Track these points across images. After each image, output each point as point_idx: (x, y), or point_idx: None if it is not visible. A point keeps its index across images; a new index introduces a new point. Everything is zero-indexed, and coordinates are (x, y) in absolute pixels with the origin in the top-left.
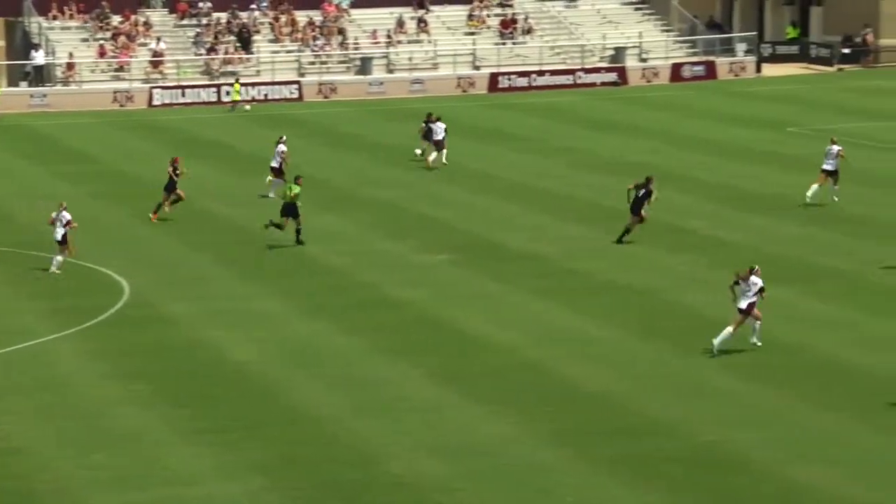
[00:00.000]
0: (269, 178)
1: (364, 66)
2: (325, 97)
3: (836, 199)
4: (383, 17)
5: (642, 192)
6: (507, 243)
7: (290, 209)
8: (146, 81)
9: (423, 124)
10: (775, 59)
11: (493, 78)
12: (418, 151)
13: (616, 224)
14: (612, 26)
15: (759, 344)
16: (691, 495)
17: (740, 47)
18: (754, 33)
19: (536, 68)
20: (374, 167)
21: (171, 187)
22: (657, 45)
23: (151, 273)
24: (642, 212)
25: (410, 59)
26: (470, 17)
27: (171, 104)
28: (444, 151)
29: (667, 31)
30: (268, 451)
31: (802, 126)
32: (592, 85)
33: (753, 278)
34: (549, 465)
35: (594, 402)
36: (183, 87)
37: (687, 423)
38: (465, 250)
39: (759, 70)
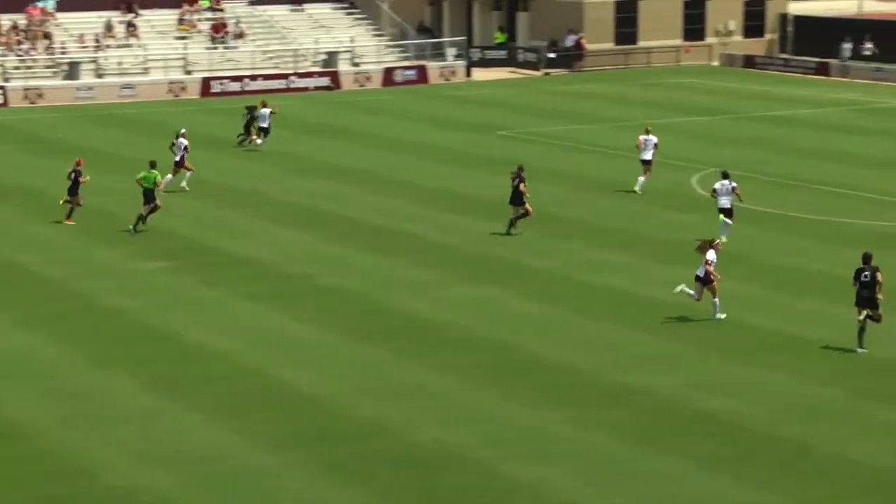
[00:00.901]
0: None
1: (72, 70)
2: (32, 102)
3: (638, 190)
4: (91, 21)
5: (516, 181)
6: (223, 249)
7: (149, 195)
8: None
9: (246, 112)
10: (485, 63)
11: (206, 82)
12: (258, 141)
13: (332, 228)
14: (324, 31)
15: (723, 317)
16: (407, 494)
17: (450, 52)
18: (464, 38)
19: (249, 73)
20: (84, 174)
21: (73, 190)
22: (369, 50)
23: None
24: (526, 204)
25: (120, 63)
26: (180, 21)
27: None
28: (267, 138)
29: (378, 35)
30: None
31: (512, 129)
32: (306, 89)
33: (710, 254)
34: (269, 470)
35: (312, 405)
36: None
37: (402, 424)
38: (181, 257)
39: (469, 74)
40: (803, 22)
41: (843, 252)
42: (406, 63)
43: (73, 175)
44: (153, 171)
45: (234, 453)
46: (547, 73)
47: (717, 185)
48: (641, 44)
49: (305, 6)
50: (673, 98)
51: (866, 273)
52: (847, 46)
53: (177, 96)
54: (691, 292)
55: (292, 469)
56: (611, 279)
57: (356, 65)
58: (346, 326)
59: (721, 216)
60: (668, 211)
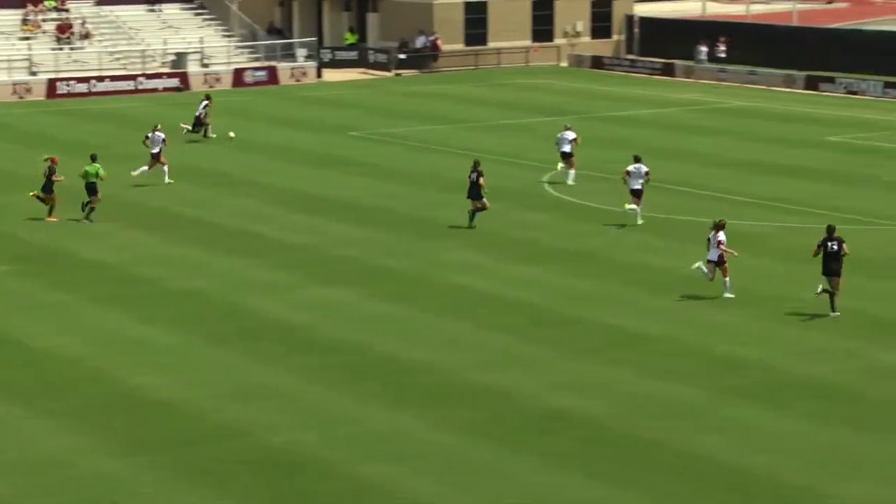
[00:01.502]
0: (145, 166)
1: None
2: None
3: (571, 182)
4: None
5: (474, 175)
6: (71, 252)
7: (91, 188)
8: None
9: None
10: (336, 64)
11: (52, 84)
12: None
13: (184, 230)
14: (172, 31)
15: (732, 297)
16: (262, 497)
17: (301, 53)
18: (314, 39)
19: (96, 74)
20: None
21: (47, 188)
22: (219, 51)
23: None
24: (484, 199)
25: None
26: (24, 21)
27: None
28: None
29: (228, 36)
30: None
31: (364, 130)
32: (155, 91)
33: (720, 234)
34: (121, 476)
35: (165, 409)
36: None
37: (257, 426)
38: (25, 260)
39: (319, 75)
40: (649, 23)
41: (690, 250)
42: (256, 64)
43: (47, 172)
44: (94, 164)
45: (82, 459)
46: (398, 74)
47: (630, 168)
48: (491, 45)
49: (160, 7)
50: (523, 98)
51: (832, 244)
52: (703, 49)
53: (21, 98)
54: (706, 271)
55: (144, 474)
56: (465, 279)
57: (206, 66)
58: (200, 329)
59: (628, 203)
60: (521, 210)
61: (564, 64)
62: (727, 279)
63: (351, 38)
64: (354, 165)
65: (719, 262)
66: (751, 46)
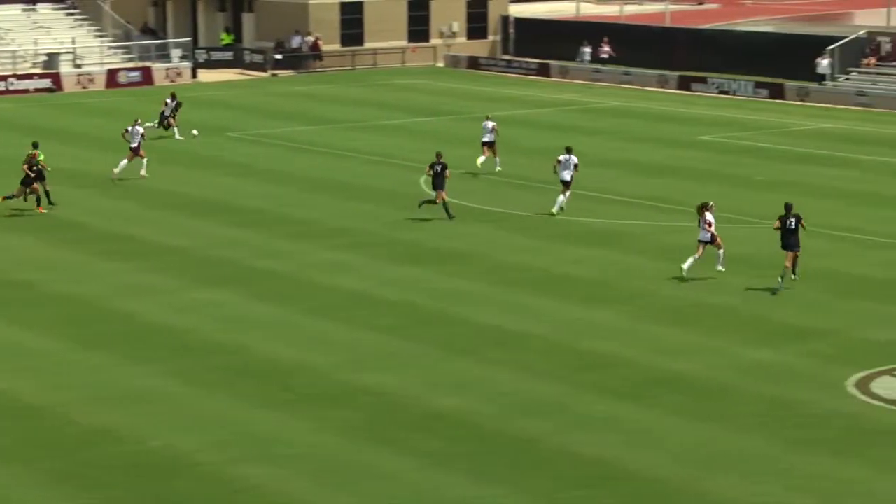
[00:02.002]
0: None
1: None
2: None
3: (499, 168)
4: None
5: (438, 167)
6: None
7: (39, 175)
8: None
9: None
10: (211, 64)
11: None
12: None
13: (59, 233)
14: (44, 32)
15: (723, 269)
16: (140, 501)
17: (175, 53)
18: (189, 39)
19: None
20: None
21: (28, 181)
22: (92, 51)
23: None
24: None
25: None
26: None
27: None
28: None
29: (101, 36)
30: None
31: (240, 130)
32: (26, 91)
33: (707, 215)
34: None
35: (37, 415)
36: None
37: (134, 430)
38: None
39: (195, 76)
40: (524, 24)
41: (568, 249)
42: (130, 64)
43: (28, 165)
44: (35, 150)
45: None
46: (274, 75)
47: (560, 158)
48: (368, 45)
49: (35, 7)
50: (400, 99)
51: (790, 220)
52: (586, 50)
53: None
54: (691, 261)
55: (17, 480)
56: (343, 279)
57: (78, 66)
58: (75, 333)
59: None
60: (398, 211)
61: (441, 64)
62: (721, 251)
63: (227, 39)
64: (230, 166)
65: (712, 240)
66: (626, 47)
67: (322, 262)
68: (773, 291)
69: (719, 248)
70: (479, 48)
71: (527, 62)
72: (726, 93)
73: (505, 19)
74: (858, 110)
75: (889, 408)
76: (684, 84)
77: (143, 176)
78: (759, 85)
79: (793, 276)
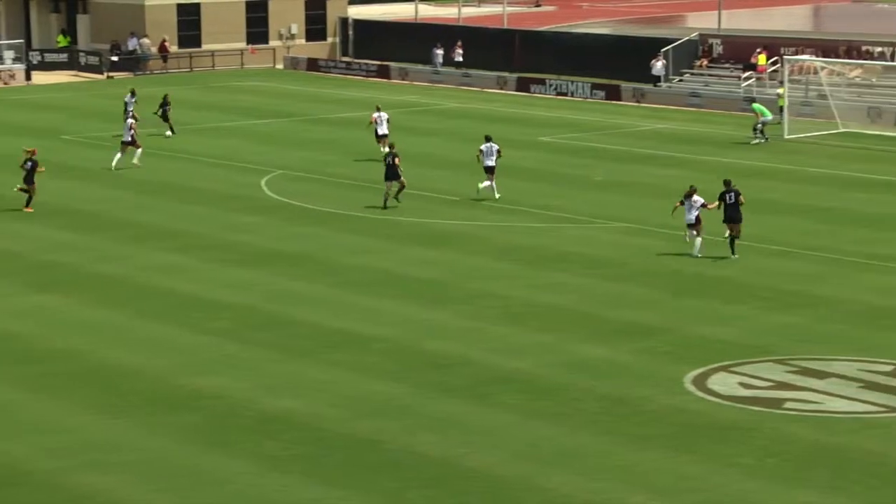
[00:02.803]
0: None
1: None
2: None
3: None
4: None
5: (390, 158)
6: None
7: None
8: None
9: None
10: (45, 66)
11: None
12: (168, 133)
13: None
14: None
15: (700, 256)
16: None
17: (8, 55)
18: (21, 41)
19: None
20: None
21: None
22: None
23: None
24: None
25: None
26: None
27: None
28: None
29: None
30: None
31: (75, 133)
32: None
33: (695, 196)
34: None
35: None
36: None
37: None
38: None
39: (28, 78)
40: (363, 25)
41: (407, 250)
42: None
43: (28, 164)
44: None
45: None
46: (110, 77)
47: (482, 147)
48: (206, 47)
49: None
50: (239, 101)
51: (730, 195)
52: (439, 52)
53: None
54: (698, 242)
55: None
56: (179, 282)
57: None
58: None
59: (481, 183)
60: (236, 213)
61: (280, 66)
62: (699, 239)
63: (63, 41)
64: (65, 169)
65: (696, 223)
66: (466, 49)
67: (158, 265)
68: (731, 255)
69: (699, 233)
70: (319, 50)
71: (366, 64)
72: (564, 94)
73: (344, 21)
74: (692, 111)
75: (725, 404)
76: (523, 85)
77: (137, 165)
78: (596, 86)
79: (732, 256)
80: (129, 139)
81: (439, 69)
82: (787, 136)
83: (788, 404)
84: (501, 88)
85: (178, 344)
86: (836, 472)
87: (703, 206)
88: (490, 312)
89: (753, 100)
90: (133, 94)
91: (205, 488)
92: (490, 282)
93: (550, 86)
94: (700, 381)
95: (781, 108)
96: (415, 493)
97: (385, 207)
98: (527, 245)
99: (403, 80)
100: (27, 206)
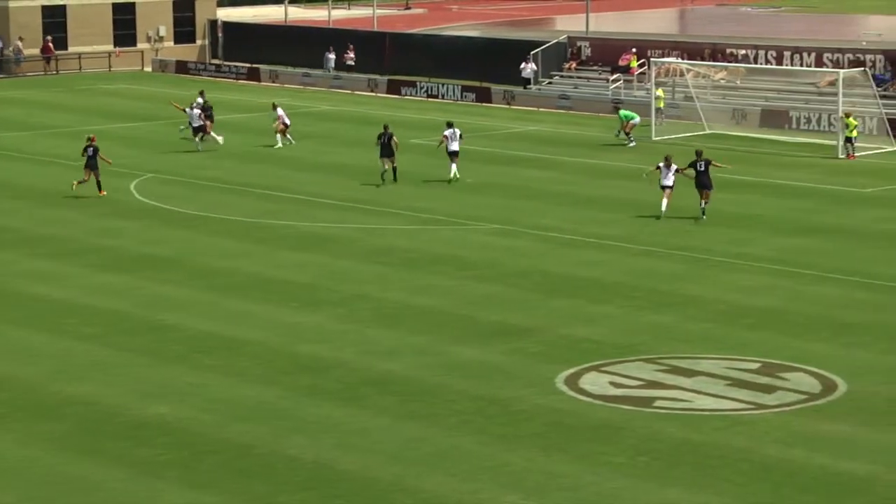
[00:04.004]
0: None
1: None
2: None
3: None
4: None
5: (385, 137)
6: None
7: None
8: None
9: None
10: None
11: None
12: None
13: None
14: None
15: (665, 211)
16: None
17: None
18: None
19: None
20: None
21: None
22: None
23: None
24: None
25: None
26: None
27: None
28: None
29: None
30: None
31: None
32: None
33: (672, 165)
34: None
35: None
36: None
37: None
38: None
39: None
40: (232, 28)
41: (279, 253)
42: None
43: (90, 150)
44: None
45: None
46: None
47: (446, 132)
48: (72, 49)
49: None
50: (107, 104)
51: (700, 163)
52: (331, 56)
53: None
54: (665, 202)
55: None
56: (48, 289)
57: None
58: None
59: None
60: (105, 218)
61: (149, 69)
62: (666, 201)
63: None
64: None
65: (671, 187)
66: (337, 51)
67: (26, 271)
68: (701, 217)
69: (668, 198)
70: (188, 52)
71: (236, 66)
72: (435, 96)
73: (213, 23)
74: (561, 113)
75: (596, 403)
76: (394, 88)
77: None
78: (466, 89)
79: (702, 217)
80: (200, 124)
81: (335, 74)
82: (654, 138)
83: (658, 403)
84: (373, 91)
85: (49, 351)
86: (703, 469)
87: (678, 171)
88: (363, 315)
89: (619, 106)
90: (202, 94)
91: (77, 496)
92: (363, 284)
93: (421, 88)
94: (572, 381)
95: (658, 110)
96: (287, 497)
97: (382, 182)
98: (399, 247)
99: (274, 82)
100: (100, 190)
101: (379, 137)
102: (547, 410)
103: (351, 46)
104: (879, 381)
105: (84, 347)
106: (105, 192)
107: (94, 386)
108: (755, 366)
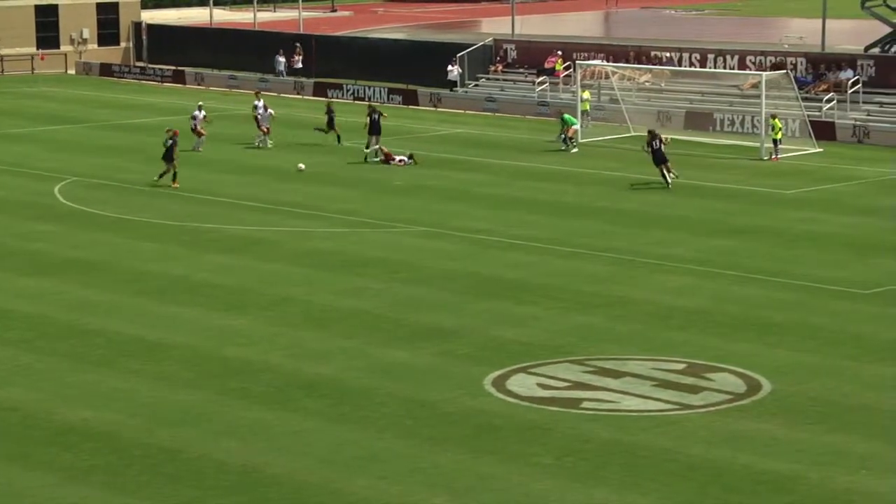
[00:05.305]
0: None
1: None
2: None
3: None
4: None
5: (375, 115)
6: None
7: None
8: None
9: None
10: None
11: None
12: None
13: None
14: None
15: (675, 178)
16: None
17: None
18: None
19: None
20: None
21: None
22: None
23: None
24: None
25: None
26: None
27: None
28: None
29: None
30: None
31: None
32: None
33: (660, 137)
34: None
35: None
36: None
37: None
38: None
39: None
40: (157, 30)
41: (205, 257)
42: None
43: (169, 142)
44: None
45: None
46: None
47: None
48: None
49: None
50: (31, 107)
51: (656, 141)
52: (281, 60)
53: None
54: (670, 175)
55: None
56: None
57: None
58: None
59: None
60: (29, 221)
61: (73, 72)
62: (668, 173)
63: None
64: None
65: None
66: (263, 55)
67: None
68: (667, 186)
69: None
70: (112, 55)
71: (161, 69)
72: (361, 99)
73: (137, 26)
74: (488, 115)
75: (524, 404)
76: (320, 90)
77: (270, 146)
78: (393, 91)
79: (674, 175)
80: (267, 129)
81: (283, 77)
82: (580, 140)
83: (585, 404)
84: (299, 93)
85: None
86: (630, 469)
87: (661, 142)
88: (291, 318)
89: (562, 110)
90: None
91: (2, 501)
92: (290, 287)
93: (348, 90)
94: (499, 383)
95: (584, 112)
96: (216, 502)
97: (365, 161)
98: (327, 250)
99: (199, 84)
100: (174, 181)
101: (369, 115)
102: (476, 412)
103: (298, 49)
104: (803, 380)
105: (7, 352)
106: (178, 185)
107: (18, 391)
108: (681, 366)
